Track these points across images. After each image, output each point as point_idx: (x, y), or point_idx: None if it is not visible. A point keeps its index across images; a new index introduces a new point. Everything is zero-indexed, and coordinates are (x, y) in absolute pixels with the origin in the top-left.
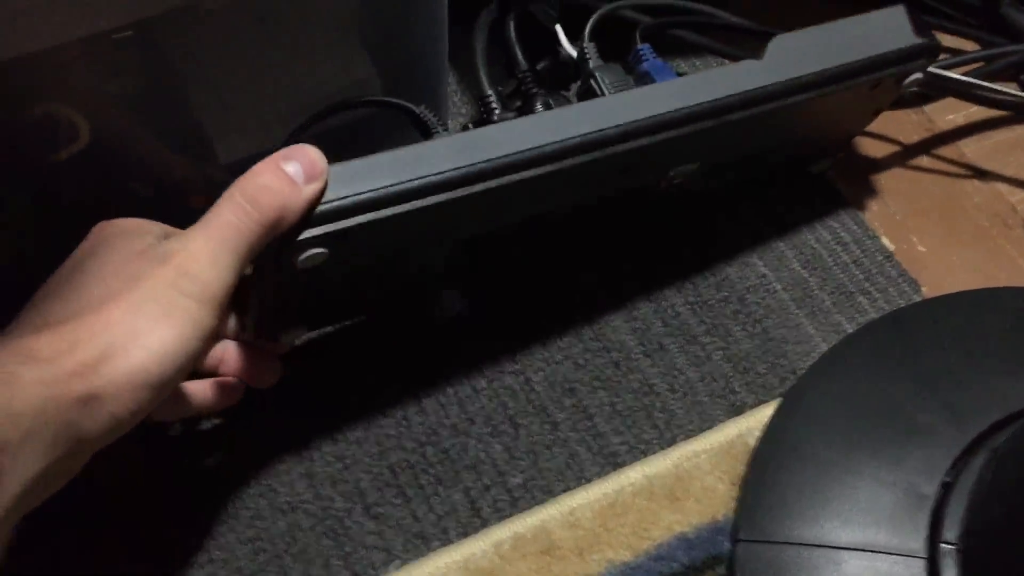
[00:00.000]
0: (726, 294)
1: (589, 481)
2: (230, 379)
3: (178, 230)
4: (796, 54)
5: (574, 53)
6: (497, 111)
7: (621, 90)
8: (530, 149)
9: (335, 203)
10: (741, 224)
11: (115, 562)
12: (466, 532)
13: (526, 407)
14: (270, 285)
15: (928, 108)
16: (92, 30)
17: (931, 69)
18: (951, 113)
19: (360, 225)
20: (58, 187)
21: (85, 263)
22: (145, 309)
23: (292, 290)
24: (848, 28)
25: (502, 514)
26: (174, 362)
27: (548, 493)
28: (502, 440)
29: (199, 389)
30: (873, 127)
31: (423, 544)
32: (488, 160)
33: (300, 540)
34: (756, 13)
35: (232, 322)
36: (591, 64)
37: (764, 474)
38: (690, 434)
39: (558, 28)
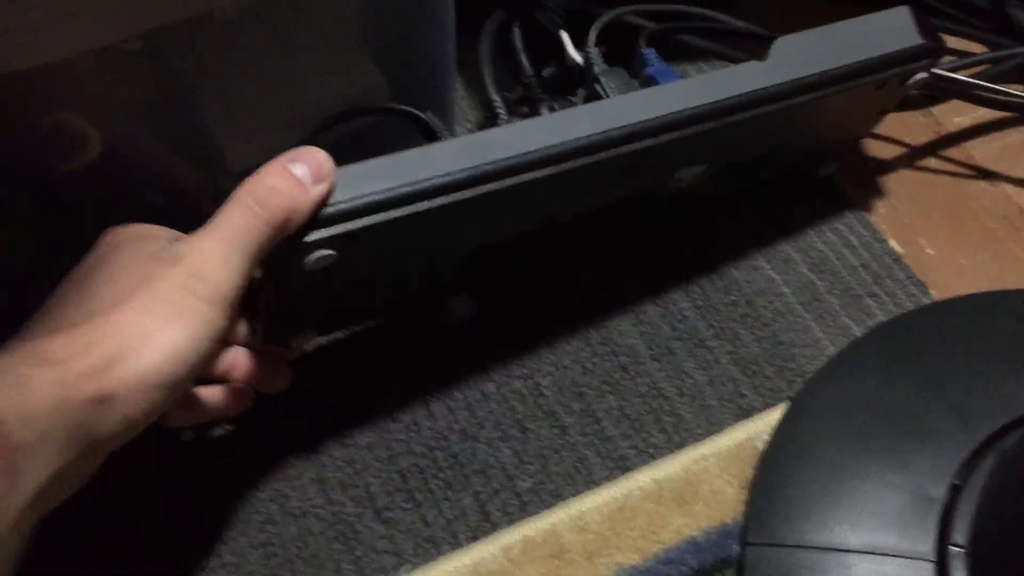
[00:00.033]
0: (734, 298)
1: (598, 485)
2: (241, 385)
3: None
4: (800, 55)
5: (580, 59)
6: (503, 117)
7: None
8: (535, 151)
9: (342, 205)
10: (748, 228)
11: (127, 565)
12: (476, 536)
13: (535, 411)
14: (279, 288)
15: (935, 110)
16: (103, 42)
17: (937, 71)
18: (959, 115)
19: (367, 227)
20: (69, 195)
21: (96, 267)
22: (156, 310)
23: (301, 293)
24: (852, 29)
25: (511, 518)
26: (185, 362)
27: (557, 497)
28: (511, 444)
29: (211, 395)
30: (880, 129)
31: (433, 548)
32: (494, 161)
33: (311, 544)
34: (761, 18)
35: (243, 328)
36: (596, 69)
37: (773, 477)
38: (698, 437)
39: (563, 34)
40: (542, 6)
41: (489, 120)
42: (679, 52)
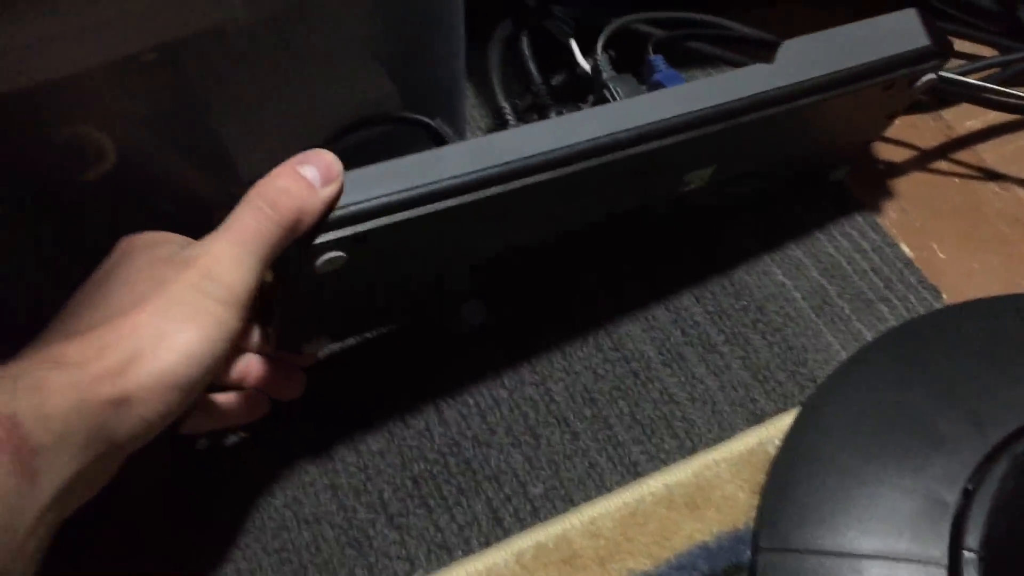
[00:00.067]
0: (745, 303)
1: (610, 490)
2: (255, 392)
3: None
4: (807, 57)
5: (588, 67)
6: (512, 124)
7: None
8: (543, 153)
9: (351, 208)
10: (759, 233)
11: (142, 572)
12: (488, 542)
13: (546, 417)
14: (291, 291)
15: (946, 113)
16: (118, 55)
17: (946, 74)
18: (969, 118)
19: (376, 229)
20: (84, 205)
21: (111, 273)
22: (171, 312)
23: (312, 297)
24: (859, 31)
25: (524, 524)
26: (200, 363)
27: (569, 502)
28: (523, 450)
29: (225, 401)
30: (891, 133)
31: (446, 554)
32: (502, 164)
33: (324, 550)
34: (769, 26)
35: (256, 335)
36: (604, 75)
37: (784, 482)
38: (710, 443)
39: (572, 43)
40: (551, 15)
41: (499, 127)
42: (687, 59)
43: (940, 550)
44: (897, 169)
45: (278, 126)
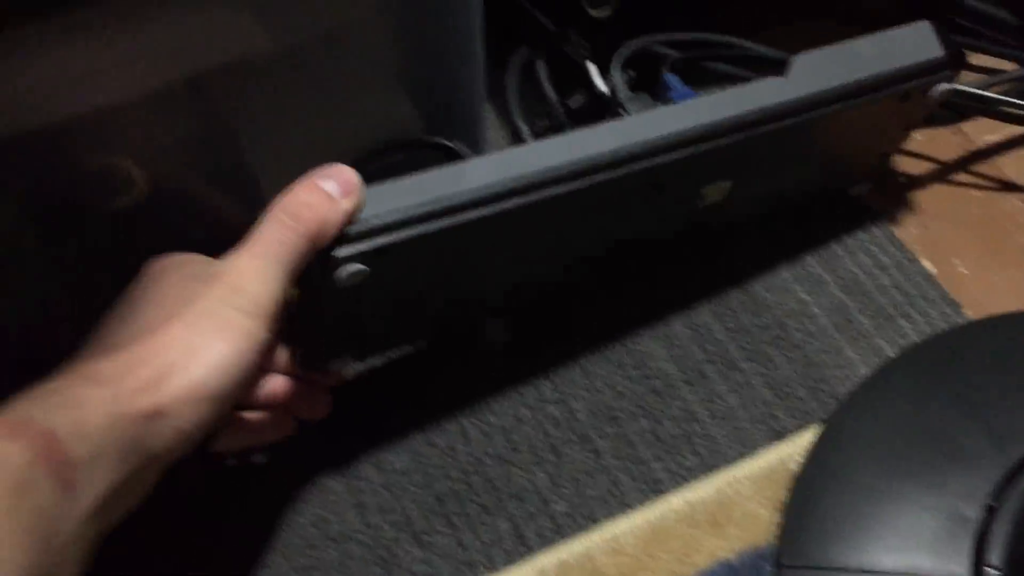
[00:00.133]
0: (765, 320)
1: (632, 508)
2: (282, 412)
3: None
4: (820, 69)
5: (605, 88)
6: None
7: None
8: (561, 165)
9: (372, 221)
10: (779, 249)
11: None
12: (512, 560)
13: (568, 435)
14: (315, 307)
15: (966, 127)
16: (147, 89)
17: (964, 87)
18: (989, 132)
19: (397, 243)
20: (116, 231)
21: (141, 293)
22: (201, 326)
23: (336, 312)
24: (873, 43)
25: (547, 541)
26: (231, 374)
27: (591, 520)
28: (546, 468)
29: (254, 418)
30: (910, 147)
31: (470, 572)
32: (520, 176)
33: (351, 568)
34: (783, 44)
35: (283, 356)
36: (620, 95)
37: (806, 499)
38: (731, 460)
39: (590, 65)
40: (568, 39)
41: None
42: (703, 78)
43: (962, 567)
44: (917, 184)
45: (303, 151)
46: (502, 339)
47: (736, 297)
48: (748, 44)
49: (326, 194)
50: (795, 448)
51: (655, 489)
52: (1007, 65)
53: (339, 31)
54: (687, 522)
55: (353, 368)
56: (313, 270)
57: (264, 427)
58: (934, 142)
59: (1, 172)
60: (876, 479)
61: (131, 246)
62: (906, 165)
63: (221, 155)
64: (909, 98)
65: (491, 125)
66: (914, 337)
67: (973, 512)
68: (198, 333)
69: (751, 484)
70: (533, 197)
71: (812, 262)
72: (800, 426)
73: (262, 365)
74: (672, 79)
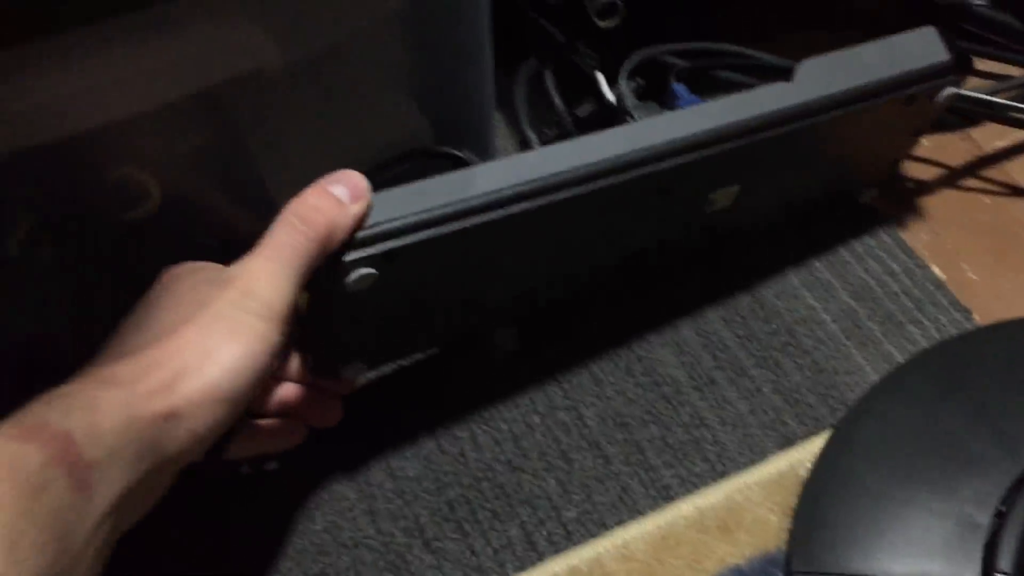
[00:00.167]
0: (775, 326)
1: (642, 514)
2: (294, 419)
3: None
4: (826, 74)
5: (613, 97)
6: None
7: None
8: (569, 170)
9: (380, 226)
10: (788, 256)
11: None
12: (523, 566)
13: (579, 442)
14: (325, 311)
15: (974, 133)
16: (160, 102)
17: (970, 93)
18: (998, 138)
19: (405, 247)
20: (130, 242)
21: (156, 299)
22: (214, 329)
23: (346, 316)
24: (878, 48)
25: (557, 547)
26: (245, 377)
27: (602, 526)
28: (556, 475)
29: (266, 427)
30: (919, 153)
31: None
32: (528, 181)
33: (363, 574)
34: (789, 53)
35: (295, 364)
36: (628, 103)
37: (816, 505)
38: (741, 466)
39: (598, 75)
40: (577, 50)
41: None
42: (709, 86)
43: (973, 572)
44: (926, 190)
45: (314, 161)
46: (512, 347)
47: (745, 303)
48: (755, 53)
49: (336, 199)
50: (805, 454)
51: (665, 495)
52: (1015, 71)
53: (350, 42)
54: (697, 528)
55: (364, 375)
56: (323, 274)
57: (277, 435)
58: (943, 148)
59: (20, 183)
60: (886, 485)
61: (144, 255)
62: (915, 171)
63: (233, 165)
64: (915, 102)
65: (500, 134)
66: (924, 343)
67: (983, 518)
68: (211, 336)
69: (761, 490)
70: (541, 201)
71: (821, 268)
72: (810, 432)
73: (274, 372)
74: (680, 88)
